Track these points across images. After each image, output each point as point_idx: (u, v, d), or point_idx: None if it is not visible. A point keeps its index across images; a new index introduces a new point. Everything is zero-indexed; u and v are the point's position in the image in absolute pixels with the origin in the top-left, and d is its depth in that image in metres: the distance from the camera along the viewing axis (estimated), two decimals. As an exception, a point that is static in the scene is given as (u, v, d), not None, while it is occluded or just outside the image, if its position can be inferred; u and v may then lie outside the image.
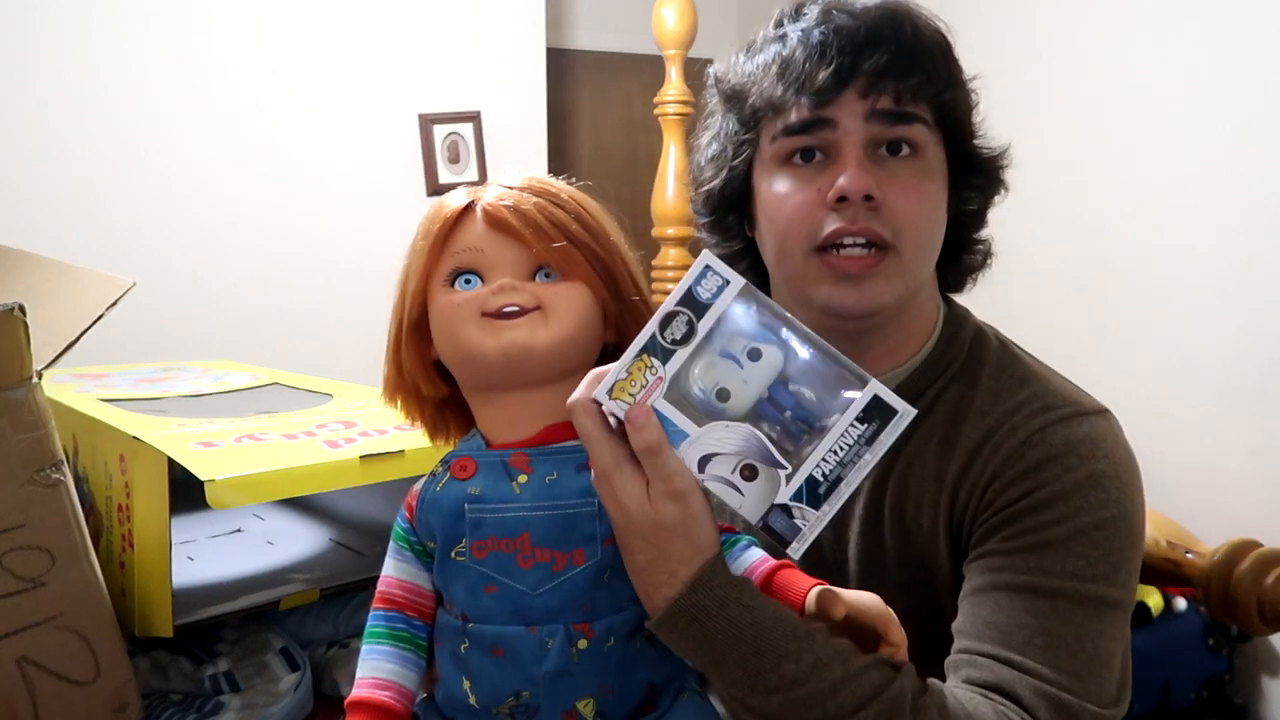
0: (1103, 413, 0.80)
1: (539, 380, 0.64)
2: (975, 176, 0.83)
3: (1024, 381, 0.81)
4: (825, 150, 0.77)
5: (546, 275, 0.64)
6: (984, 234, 0.87)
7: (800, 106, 0.76)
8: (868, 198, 0.74)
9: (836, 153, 0.76)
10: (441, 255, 0.65)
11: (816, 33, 0.75)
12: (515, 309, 0.62)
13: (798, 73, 0.75)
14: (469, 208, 0.65)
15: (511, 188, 0.65)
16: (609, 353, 0.69)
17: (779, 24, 0.80)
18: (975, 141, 0.82)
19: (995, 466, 0.77)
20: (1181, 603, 2.00)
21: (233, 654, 0.90)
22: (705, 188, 0.85)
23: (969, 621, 0.73)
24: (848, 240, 0.75)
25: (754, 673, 0.60)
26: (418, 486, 0.67)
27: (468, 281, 0.64)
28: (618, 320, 0.67)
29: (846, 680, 0.60)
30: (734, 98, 0.81)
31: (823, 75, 0.74)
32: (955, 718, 0.63)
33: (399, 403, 0.70)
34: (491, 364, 0.63)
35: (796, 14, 0.79)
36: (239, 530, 1.17)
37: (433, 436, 0.72)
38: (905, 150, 0.76)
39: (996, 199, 0.86)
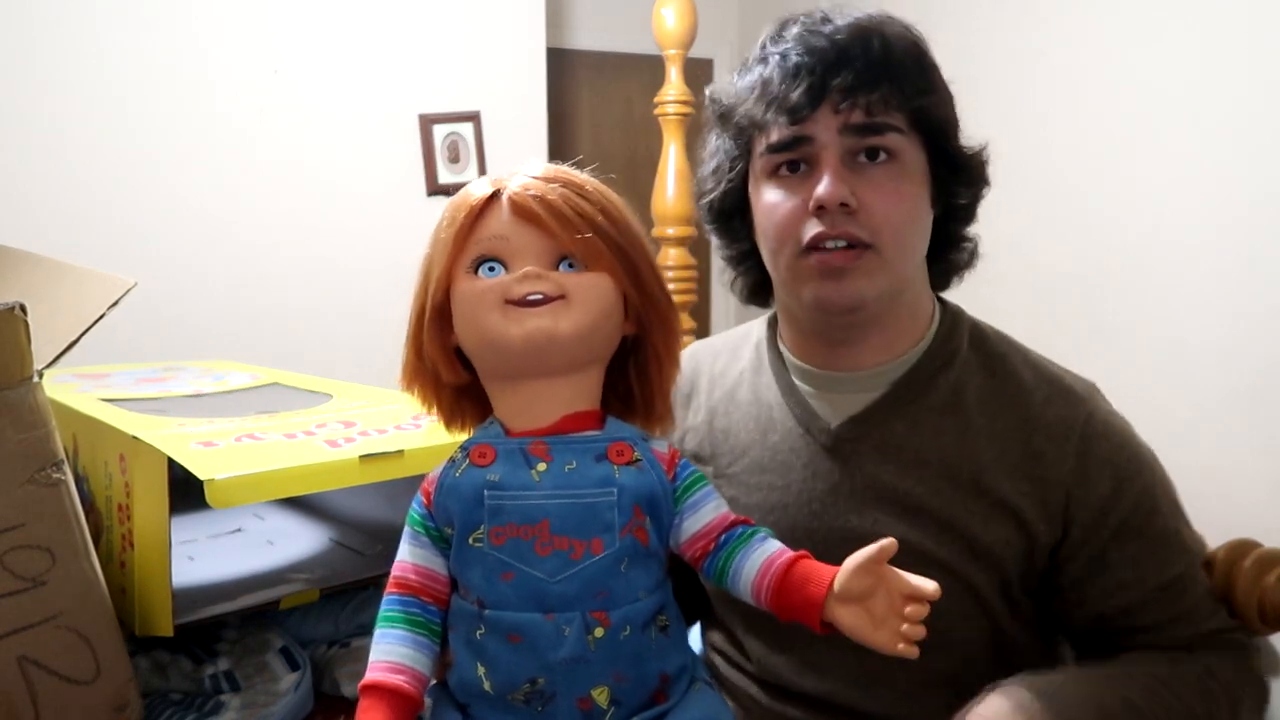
0: (1090, 386, 0.89)
1: (559, 369, 0.64)
2: (958, 173, 0.87)
3: (1057, 377, 0.88)
4: (808, 161, 0.83)
5: (570, 265, 0.64)
6: (972, 233, 0.91)
7: (780, 125, 0.82)
8: (844, 204, 0.80)
9: (817, 164, 0.82)
10: (466, 242, 0.65)
11: (793, 55, 0.82)
12: (539, 297, 0.63)
13: (775, 94, 0.82)
14: (494, 196, 0.65)
15: (537, 177, 0.66)
16: (628, 345, 0.69)
17: (764, 45, 0.86)
18: (955, 141, 0.86)
19: (1070, 470, 0.83)
20: (1181, 602, 1.99)
21: (233, 653, 0.90)
22: (707, 198, 0.93)
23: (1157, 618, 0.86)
24: (829, 243, 0.82)
25: None
26: (435, 472, 0.67)
27: (491, 269, 0.64)
28: (639, 312, 0.68)
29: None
30: (725, 117, 0.88)
31: (797, 95, 0.80)
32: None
33: (416, 389, 0.70)
34: (514, 351, 0.63)
35: (778, 37, 0.85)
36: (239, 530, 1.17)
37: (448, 424, 0.72)
38: (882, 156, 0.82)
39: (985, 193, 0.90)
